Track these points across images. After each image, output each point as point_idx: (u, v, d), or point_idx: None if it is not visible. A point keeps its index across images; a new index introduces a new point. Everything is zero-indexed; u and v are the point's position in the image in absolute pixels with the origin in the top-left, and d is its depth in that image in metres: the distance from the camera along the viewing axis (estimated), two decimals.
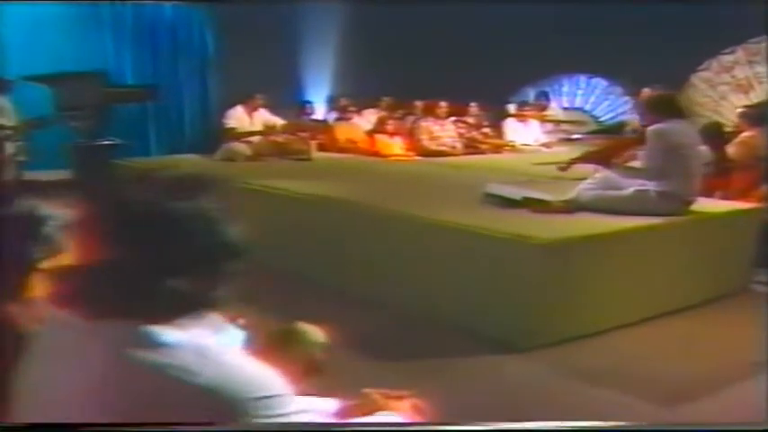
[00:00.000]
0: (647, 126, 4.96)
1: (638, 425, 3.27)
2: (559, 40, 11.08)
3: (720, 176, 6.20)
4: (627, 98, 10.85)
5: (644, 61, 10.28)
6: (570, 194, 5.05)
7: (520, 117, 9.73)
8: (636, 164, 5.02)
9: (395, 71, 11.87)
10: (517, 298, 4.14)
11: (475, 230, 4.34)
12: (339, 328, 4.14)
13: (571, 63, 11.53)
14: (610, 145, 5.27)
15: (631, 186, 4.95)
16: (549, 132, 10.20)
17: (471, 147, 9.10)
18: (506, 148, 9.24)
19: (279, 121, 8.20)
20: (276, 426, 1.27)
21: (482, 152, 9.07)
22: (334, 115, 9.74)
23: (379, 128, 8.88)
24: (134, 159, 8.33)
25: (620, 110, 10.93)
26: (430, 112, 9.10)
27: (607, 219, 4.70)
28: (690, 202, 4.94)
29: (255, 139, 7.99)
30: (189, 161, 8.11)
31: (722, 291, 5.06)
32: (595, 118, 11.16)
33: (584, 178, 5.13)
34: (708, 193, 5.95)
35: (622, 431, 3.13)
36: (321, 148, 9.08)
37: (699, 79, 10.49)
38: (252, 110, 8.17)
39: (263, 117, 8.18)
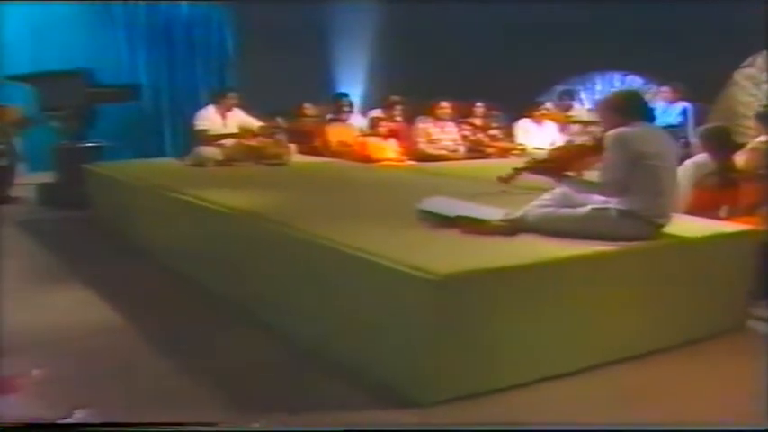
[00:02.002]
0: (607, 131, 4.06)
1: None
2: (594, 37, 10.19)
3: (726, 190, 5.22)
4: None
5: (683, 58, 9.30)
6: (517, 212, 4.19)
7: (536, 118, 8.78)
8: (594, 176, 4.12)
9: (420, 70, 11.16)
10: (414, 342, 3.33)
11: (372, 259, 3.54)
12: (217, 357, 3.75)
13: (605, 60, 10.62)
14: (563, 153, 4.36)
15: (593, 204, 4.07)
16: (574, 134, 9.22)
17: (476, 150, 8.23)
18: (515, 151, 8.32)
19: (255, 123, 7.50)
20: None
21: (487, 156, 8.20)
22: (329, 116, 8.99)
23: (373, 130, 8.10)
24: (104, 163, 7.73)
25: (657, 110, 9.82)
26: (430, 112, 8.25)
27: (555, 243, 3.83)
28: (660, 224, 4.01)
29: (229, 142, 7.31)
30: (161, 165, 7.52)
31: (704, 331, 4.13)
32: None
33: None
34: (712, 208, 5.06)
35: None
36: (314, 151, 8.40)
37: (742, 76, 9.40)
38: (225, 110, 7.50)
39: (238, 118, 7.49)
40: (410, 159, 7.93)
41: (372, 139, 8.00)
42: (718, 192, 5.19)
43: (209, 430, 2.87)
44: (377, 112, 8.94)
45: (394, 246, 3.68)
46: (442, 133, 8.19)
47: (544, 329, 3.52)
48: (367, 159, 7.76)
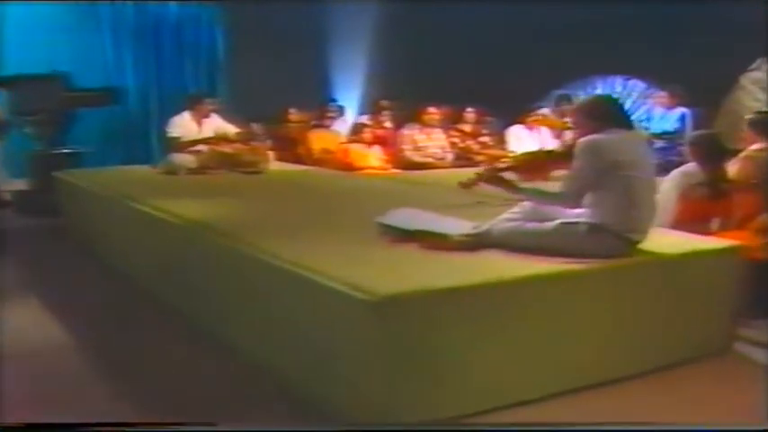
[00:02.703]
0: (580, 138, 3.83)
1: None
2: (595, 39, 9.93)
3: (717, 201, 4.98)
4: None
5: (687, 61, 9.03)
6: (482, 227, 3.97)
7: (529, 124, 8.51)
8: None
9: (418, 73, 10.93)
10: (354, 367, 3.13)
11: (309, 276, 3.33)
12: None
13: (607, 63, 10.35)
14: (530, 159, 4.14)
15: (563, 218, 3.85)
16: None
17: (465, 158, 7.99)
18: (505, 159, 8.04)
19: (232, 129, 7.31)
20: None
21: (477, 164, 7.94)
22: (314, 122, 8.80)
23: (356, 136, 7.88)
24: (74, 171, 7.54)
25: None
26: (417, 118, 8.03)
27: (520, 260, 3.61)
28: (635, 240, 3.78)
29: (203, 148, 7.12)
30: (132, 172, 7.33)
31: (685, 354, 3.89)
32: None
33: None
34: (701, 221, 4.83)
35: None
36: (298, 158, 8.21)
37: (748, 80, 9.11)
38: (201, 116, 7.31)
39: (215, 124, 7.31)
40: (395, 167, 7.71)
41: (355, 146, 7.77)
42: (707, 203, 4.95)
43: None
44: (364, 118, 8.72)
45: (341, 262, 3.47)
46: (428, 140, 7.96)
47: (501, 354, 3.30)
48: (349, 167, 7.55)
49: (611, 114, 3.86)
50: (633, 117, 9.76)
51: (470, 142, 8.21)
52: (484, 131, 8.48)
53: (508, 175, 4.03)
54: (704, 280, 3.98)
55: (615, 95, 4.05)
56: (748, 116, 5.56)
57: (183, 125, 7.25)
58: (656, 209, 3.98)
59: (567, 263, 3.57)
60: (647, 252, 3.83)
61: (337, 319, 3.16)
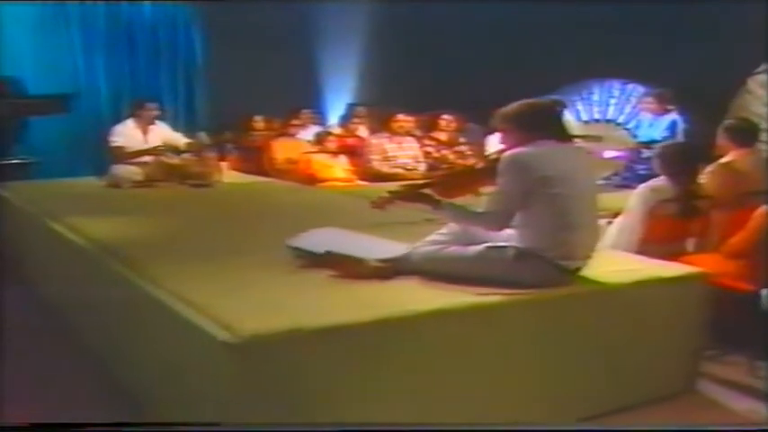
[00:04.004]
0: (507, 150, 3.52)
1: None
2: (590, 41, 9.58)
3: (690, 219, 4.62)
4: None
5: (690, 63, 8.66)
6: (403, 251, 3.66)
7: None
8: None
9: (407, 80, 10.63)
10: (220, 411, 2.82)
11: (177, 309, 3.05)
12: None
13: (604, 66, 9.99)
14: (451, 175, 3.83)
15: (493, 241, 3.53)
16: None
17: (439, 169, 7.64)
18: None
19: (181, 139, 7.04)
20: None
21: None
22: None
23: (321, 145, 7.58)
24: (13, 184, 7.28)
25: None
26: (386, 126, 7.72)
27: (439, 289, 3.31)
28: (570, 268, 3.44)
29: (150, 159, 6.84)
30: (74, 185, 7.07)
31: (637, 396, 3.56)
32: (630, 131, 9.42)
33: None
34: (672, 241, 4.50)
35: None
36: (260, 169, 7.94)
37: (756, 83, 8.68)
38: (146, 124, 7.03)
39: (161, 133, 7.03)
40: (361, 179, 7.40)
41: (319, 157, 7.47)
42: (679, 222, 4.59)
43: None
44: (334, 125, 8.44)
45: (227, 293, 3.17)
46: (399, 149, 7.62)
47: (398, 405, 2.96)
48: (312, 179, 7.25)
49: (543, 123, 3.53)
50: (629, 124, 9.50)
51: (446, 152, 7.87)
52: (461, 140, 8.13)
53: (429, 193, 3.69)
54: (660, 312, 3.68)
55: (549, 101, 3.68)
56: (726, 122, 5.22)
57: (127, 134, 6.98)
58: (598, 231, 3.65)
59: (490, 293, 3.25)
60: (590, 281, 3.50)
61: (202, 357, 2.88)
